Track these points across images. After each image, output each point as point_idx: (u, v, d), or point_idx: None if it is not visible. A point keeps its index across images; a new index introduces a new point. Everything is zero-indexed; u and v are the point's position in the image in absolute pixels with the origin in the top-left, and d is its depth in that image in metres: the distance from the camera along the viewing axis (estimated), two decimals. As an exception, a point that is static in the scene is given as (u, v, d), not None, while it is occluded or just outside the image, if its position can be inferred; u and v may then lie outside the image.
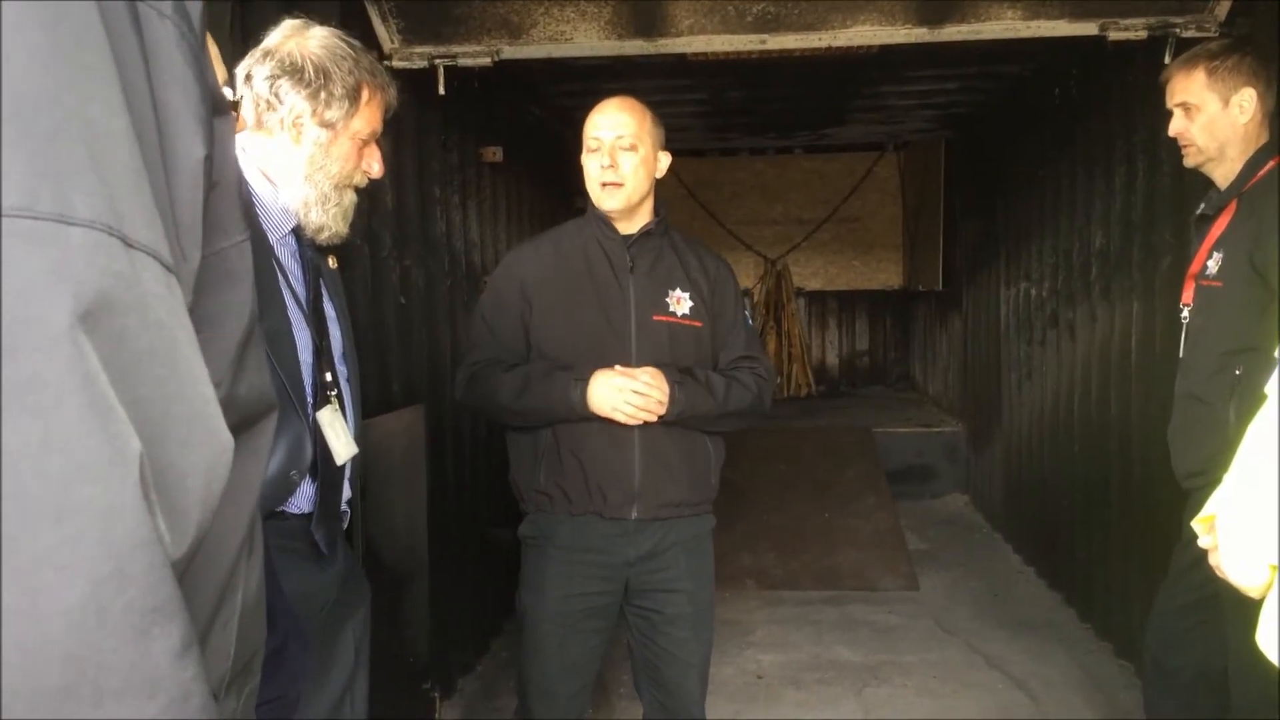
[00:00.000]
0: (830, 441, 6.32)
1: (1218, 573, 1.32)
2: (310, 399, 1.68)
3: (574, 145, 2.43)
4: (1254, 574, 1.16)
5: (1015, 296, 5.28)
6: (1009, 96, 5.21)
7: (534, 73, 4.15)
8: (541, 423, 2.20)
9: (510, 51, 3.13)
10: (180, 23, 0.63)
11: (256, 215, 1.65)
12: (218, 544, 0.64)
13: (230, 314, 0.69)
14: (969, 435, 6.43)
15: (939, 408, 7.51)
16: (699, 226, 8.63)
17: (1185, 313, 2.33)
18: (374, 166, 1.77)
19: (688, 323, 2.24)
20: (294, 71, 1.65)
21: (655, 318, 2.22)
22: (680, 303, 2.24)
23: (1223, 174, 2.27)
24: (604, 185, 2.19)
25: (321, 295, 1.76)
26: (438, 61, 3.13)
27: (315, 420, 1.67)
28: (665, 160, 2.27)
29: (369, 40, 2.96)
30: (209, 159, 0.65)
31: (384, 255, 3.08)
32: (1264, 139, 2.24)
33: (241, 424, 0.69)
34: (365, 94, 1.71)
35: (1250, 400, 1.80)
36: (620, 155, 2.17)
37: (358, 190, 1.78)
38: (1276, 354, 1.24)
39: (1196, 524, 1.37)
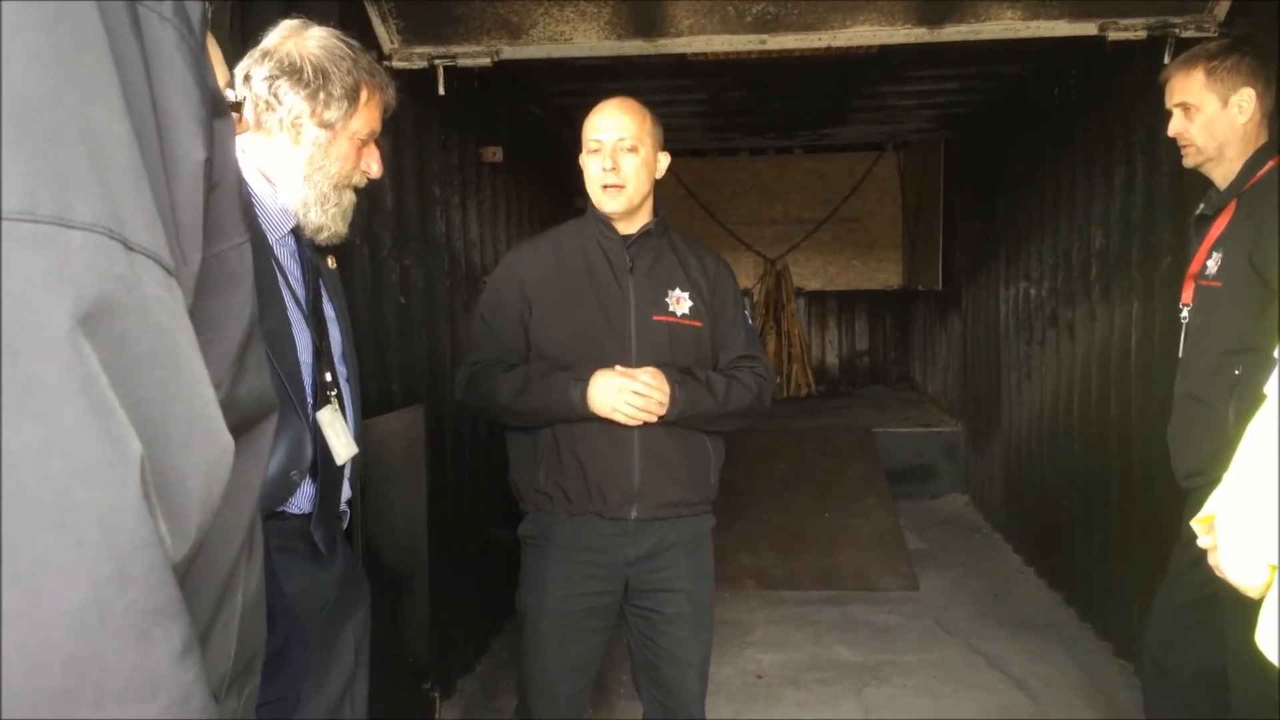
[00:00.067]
0: (830, 441, 6.33)
1: (1217, 572, 1.32)
2: (310, 399, 1.68)
3: (574, 145, 2.43)
4: (1253, 574, 1.17)
5: (1015, 296, 5.29)
6: (1009, 96, 5.21)
7: (534, 73, 4.15)
8: (541, 423, 2.20)
9: (510, 52, 3.12)
10: (180, 25, 0.63)
11: (255, 216, 1.65)
12: (218, 545, 0.65)
13: (230, 316, 0.69)
14: (969, 435, 6.43)
15: (939, 407, 7.52)
16: (699, 226, 8.63)
17: (1185, 312, 2.33)
18: (373, 166, 1.78)
19: (687, 322, 2.24)
20: (293, 72, 1.65)
21: (655, 318, 2.22)
22: (680, 302, 2.25)
23: (1222, 174, 2.27)
24: (605, 187, 2.19)
25: (321, 295, 1.76)
26: (437, 62, 3.13)
27: (315, 420, 1.68)
28: (665, 161, 2.27)
29: (369, 40, 2.96)
30: (209, 161, 0.65)
31: (384, 255, 3.08)
32: (1263, 139, 2.24)
33: (242, 425, 0.69)
34: (364, 94, 1.71)
35: (1249, 400, 1.80)
36: (622, 157, 2.17)
37: (357, 190, 1.78)
38: (1276, 354, 1.24)
39: (1196, 524, 1.37)
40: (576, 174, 2.35)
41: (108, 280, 0.51)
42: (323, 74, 1.66)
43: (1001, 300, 5.53)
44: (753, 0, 3.02)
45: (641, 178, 2.20)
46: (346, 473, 1.77)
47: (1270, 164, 2.19)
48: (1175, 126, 2.29)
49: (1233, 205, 2.24)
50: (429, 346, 3.45)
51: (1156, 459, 2.82)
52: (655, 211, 2.29)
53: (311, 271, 1.75)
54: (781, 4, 3.02)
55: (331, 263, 1.85)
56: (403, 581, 2.95)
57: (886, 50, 3.56)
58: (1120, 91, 3.70)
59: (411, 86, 2.93)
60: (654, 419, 2.12)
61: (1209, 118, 2.23)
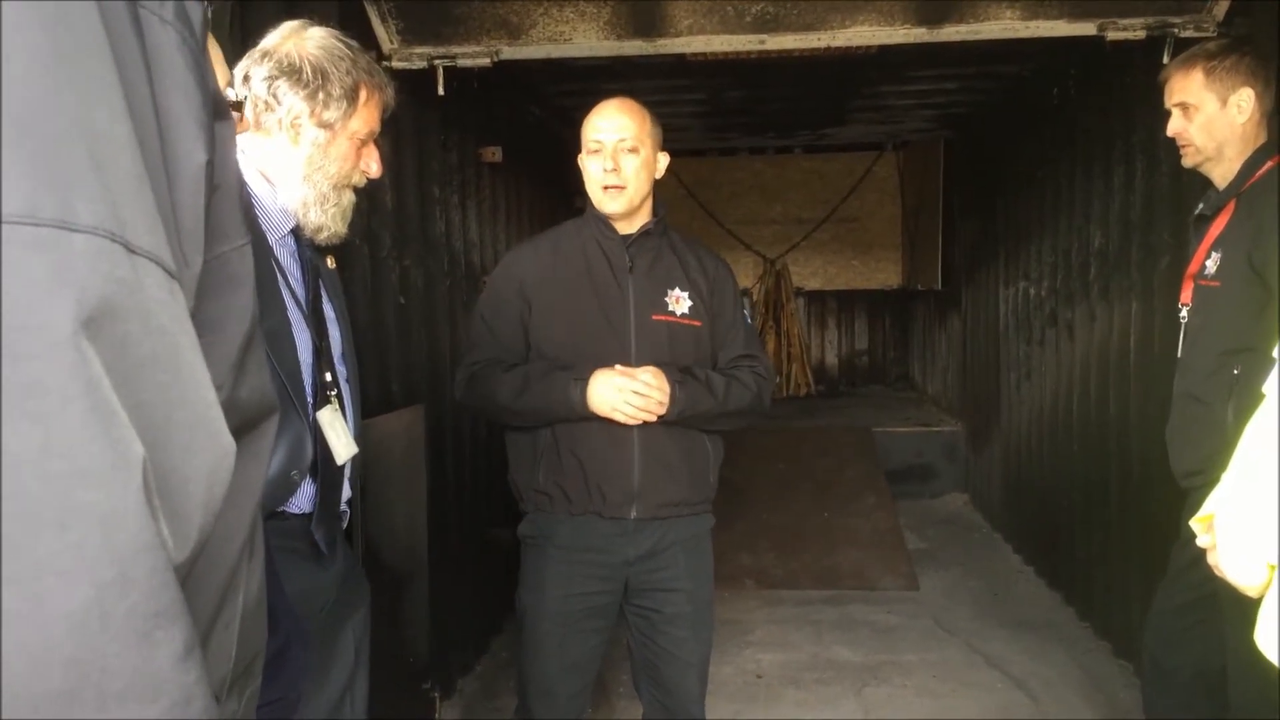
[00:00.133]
0: (830, 441, 6.33)
1: (1216, 572, 1.32)
2: (310, 399, 1.68)
3: (573, 145, 2.43)
4: (1252, 573, 1.17)
5: (1014, 296, 5.29)
6: (1008, 96, 5.21)
7: (533, 73, 4.15)
8: (541, 422, 2.20)
9: (509, 52, 3.12)
10: (182, 27, 0.63)
11: (255, 216, 1.65)
12: (219, 546, 0.65)
13: (231, 318, 0.69)
14: (968, 435, 6.43)
15: (938, 407, 7.52)
16: (698, 226, 8.63)
17: (1184, 312, 2.33)
18: (372, 166, 1.78)
19: (687, 322, 2.24)
20: (292, 72, 1.65)
21: (654, 317, 2.22)
22: (679, 302, 2.25)
23: (1221, 174, 2.27)
24: (606, 188, 2.19)
25: (321, 296, 1.76)
26: (437, 62, 3.13)
27: (315, 420, 1.68)
28: (664, 161, 2.28)
29: (368, 41, 2.96)
30: (210, 164, 0.65)
31: (383, 255, 3.08)
32: (1262, 139, 2.24)
33: (243, 427, 0.69)
34: (363, 94, 1.71)
35: (1248, 400, 1.79)
36: (622, 158, 2.18)
37: (356, 190, 1.78)
38: (1275, 353, 1.24)
39: (1195, 523, 1.37)
40: (576, 174, 2.35)
41: (110, 283, 0.51)
42: (322, 74, 1.66)
43: (1001, 300, 5.53)
44: (752, 0, 3.02)
45: (642, 178, 2.20)
46: (346, 473, 1.77)
47: (1269, 164, 2.19)
48: (1174, 126, 2.29)
49: (1232, 205, 2.24)
50: (429, 346, 3.45)
51: (1156, 459, 2.82)
52: (655, 211, 2.29)
53: (311, 271, 1.75)
54: (781, 4, 3.02)
55: (331, 263, 1.85)
56: (403, 581, 2.95)
57: (886, 50, 3.56)
58: (1119, 91, 3.70)
59: (411, 86, 2.94)
60: (654, 418, 2.13)
61: (1208, 117, 2.24)
